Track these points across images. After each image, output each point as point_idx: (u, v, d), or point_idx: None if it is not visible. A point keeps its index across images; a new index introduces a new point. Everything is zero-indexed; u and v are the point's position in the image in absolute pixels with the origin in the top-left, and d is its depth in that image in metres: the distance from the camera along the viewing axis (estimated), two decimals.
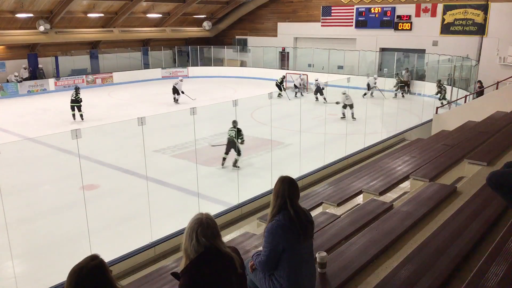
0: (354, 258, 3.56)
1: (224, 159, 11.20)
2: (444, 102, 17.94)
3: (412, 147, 8.48)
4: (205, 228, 2.22)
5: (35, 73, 23.46)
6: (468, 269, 3.26)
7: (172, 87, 20.40)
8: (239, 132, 10.90)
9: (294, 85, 21.66)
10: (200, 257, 2.18)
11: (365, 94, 19.97)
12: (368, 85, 20.41)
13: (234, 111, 13.11)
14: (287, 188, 2.91)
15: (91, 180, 9.92)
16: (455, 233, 3.76)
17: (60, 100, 21.25)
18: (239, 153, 10.99)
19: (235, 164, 11.06)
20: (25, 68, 22.96)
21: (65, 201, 9.23)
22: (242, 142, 11.03)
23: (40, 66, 23.67)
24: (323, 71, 25.34)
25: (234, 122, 10.92)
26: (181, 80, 20.65)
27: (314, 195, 6.95)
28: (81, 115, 16.69)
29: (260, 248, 3.07)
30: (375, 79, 20.71)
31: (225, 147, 11.18)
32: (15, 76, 22.24)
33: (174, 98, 20.27)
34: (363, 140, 11.89)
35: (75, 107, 16.63)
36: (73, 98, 16.59)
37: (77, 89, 17.01)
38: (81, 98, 16.63)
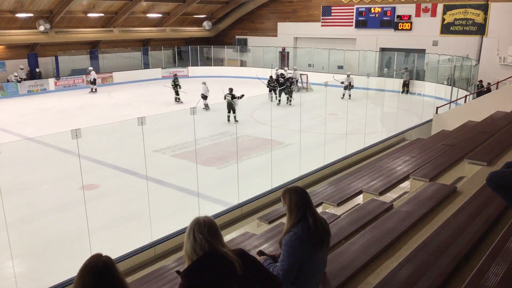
0: (354, 258, 3.56)
1: (228, 117, 15.82)
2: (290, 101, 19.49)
3: (412, 147, 8.48)
4: (201, 226, 2.24)
5: (33, 74, 23.42)
6: (468, 269, 3.26)
7: (92, 79, 23.34)
8: (234, 96, 15.95)
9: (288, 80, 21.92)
10: (199, 261, 2.19)
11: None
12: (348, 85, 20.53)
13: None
14: (303, 198, 2.86)
15: (91, 180, 9.92)
16: (455, 233, 3.76)
17: (60, 100, 21.32)
18: (234, 111, 15.75)
19: (235, 119, 15.51)
20: (21, 69, 22.90)
21: (65, 201, 9.23)
22: (237, 103, 15.88)
23: (37, 70, 23.63)
24: (323, 71, 25.36)
25: (231, 90, 16.28)
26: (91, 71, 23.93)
27: (314, 195, 6.94)
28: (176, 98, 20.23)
29: (259, 252, 3.06)
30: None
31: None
32: (14, 76, 22.23)
33: (92, 89, 23.41)
34: (363, 140, 11.88)
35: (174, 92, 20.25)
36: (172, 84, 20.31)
37: (175, 76, 20.70)
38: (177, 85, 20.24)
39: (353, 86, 20.29)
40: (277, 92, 19.61)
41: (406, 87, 21.95)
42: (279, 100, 19.44)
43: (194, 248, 2.21)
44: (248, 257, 2.38)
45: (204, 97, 18.25)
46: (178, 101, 20.03)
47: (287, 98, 19.51)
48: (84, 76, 24.99)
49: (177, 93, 20.21)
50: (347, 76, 20.70)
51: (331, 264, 3.42)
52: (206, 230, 2.23)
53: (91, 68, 23.96)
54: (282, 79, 20.21)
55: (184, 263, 2.30)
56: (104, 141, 13.24)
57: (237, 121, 15.22)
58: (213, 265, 2.20)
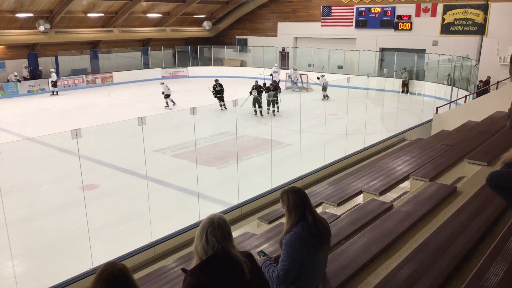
0: (354, 258, 3.56)
1: (255, 111, 16.81)
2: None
3: (412, 147, 8.49)
4: (215, 228, 2.22)
5: (34, 74, 23.44)
6: (468, 269, 3.26)
7: (53, 81, 22.42)
8: (260, 91, 16.87)
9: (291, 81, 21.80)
10: (208, 260, 2.18)
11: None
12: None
13: (234, 110, 13.13)
14: (301, 198, 2.87)
15: (91, 180, 9.92)
16: (455, 233, 3.76)
17: (60, 100, 21.31)
18: (261, 105, 16.91)
19: (265, 112, 17.07)
20: (25, 67, 22.96)
21: (65, 201, 9.23)
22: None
23: (39, 68, 23.65)
24: (323, 71, 25.36)
25: (255, 88, 16.95)
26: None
27: (314, 195, 6.95)
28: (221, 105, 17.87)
29: (260, 252, 3.06)
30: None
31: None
32: (15, 76, 22.24)
33: (53, 92, 22.60)
34: (363, 140, 11.88)
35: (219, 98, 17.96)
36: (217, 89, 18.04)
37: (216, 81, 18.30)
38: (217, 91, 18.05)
39: (326, 87, 19.87)
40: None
41: (405, 87, 21.95)
42: (261, 111, 16.98)
43: (205, 250, 2.21)
44: (256, 262, 2.37)
45: (167, 96, 18.71)
46: (223, 108, 17.69)
47: (271, 108, 17.10)
48: (84, 76, 25.01)
49: (221, 99, 17.86)
50: (321, 77, 20.43)
51: (331, 264, 3.42)
52: (219, 233, 2.21)
53: (53, 69, 22.65)
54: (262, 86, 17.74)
55: (192, 260, 2.30)
56: (104, 141, 13.23)
57: (267, 112, 16.92)
58: (222, 266, 2.19)
